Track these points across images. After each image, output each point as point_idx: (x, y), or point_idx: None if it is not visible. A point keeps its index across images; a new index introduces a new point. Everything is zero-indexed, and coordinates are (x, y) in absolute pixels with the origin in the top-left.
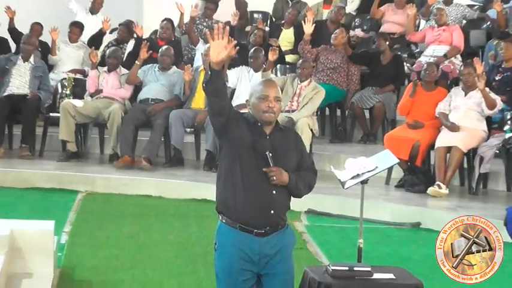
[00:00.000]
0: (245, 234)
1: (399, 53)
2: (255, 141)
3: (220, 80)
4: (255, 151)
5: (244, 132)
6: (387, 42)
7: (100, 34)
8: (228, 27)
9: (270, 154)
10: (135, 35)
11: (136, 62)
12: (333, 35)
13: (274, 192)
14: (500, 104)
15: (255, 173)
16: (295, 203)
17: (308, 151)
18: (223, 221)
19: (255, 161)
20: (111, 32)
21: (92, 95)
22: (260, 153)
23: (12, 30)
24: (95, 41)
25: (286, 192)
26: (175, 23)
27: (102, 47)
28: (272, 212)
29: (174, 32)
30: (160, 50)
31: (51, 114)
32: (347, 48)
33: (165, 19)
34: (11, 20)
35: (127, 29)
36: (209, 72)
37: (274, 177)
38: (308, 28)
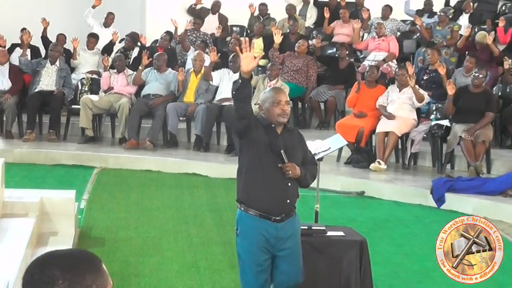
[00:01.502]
0: (264, 220)
1: (347, 58)
2: (270, 141)
3: (249, 88)
4: (271, 149)
5: (261, 133)
6: (347, 52)
7: (111, 44)
8: (253, 41)
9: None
10: (139, 44)
11: (139, 67)
12: (297, 44)
13: (289, 184)
14: (427, 98)
15: (272, 169)
16: None
17: None
18: (242, 209)
19: (271, 158)
20: (120, 42)
21: (105, 92)
22: (276, 151)
23: (44, 38)
24: (107, 49)
25: (297, 184)
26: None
27: (113, 54)
28: (288, 201)
29: (170, 41)
30: (154, 56)
31: (73, 106)
32: (317, 51)
33: (166, 32)
34: (45, 29)
35: (132, 39)
36: (239, 81)
37: (289, 172)
38: (277, 39)
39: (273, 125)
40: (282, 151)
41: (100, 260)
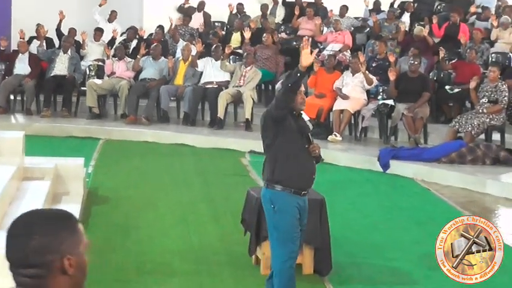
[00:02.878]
0: (296, 196)
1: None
2: (298, 125)
3: (302, 80)
4: (299, 133)
5: (291, 120)
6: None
7: (113, 39)
8: (310, 39)
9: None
10: (137, 36)
11: (138, 56)
12: (263, 38)
13: (314, 162)
14: (375, 82)
15: (302, 149)
16: (241, 145)
17: (250, 113)
18: (279, 188)
19: (300, 141)
20: (121, 35)
21: (108, 76)
22: (303, 133)
23: (58, 31)
24: (111, 42)
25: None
26: (165, 28)
27: (115, 46)
28: (313, 176)
29: (163, 34)
30: (151, 47)
31: (82, 88)
32: (278, 45)
33: (158, 26)
34: (60, 21)
35: (133, 32)
36: (298, 75)
37: (317, 151)
38: (247, 35)
39: (294, 112)
40: (309, 133)
41: (76, 221)
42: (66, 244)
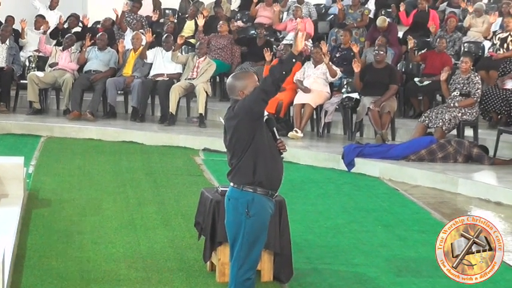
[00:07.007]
0: (270, 198)
1: (268, 38)
2: (266, 120)
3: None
4: (268, 127)
5: None
6: (264, 32)
7: (56, 28)
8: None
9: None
10: (80, 24)
11: (83, 48)
12: (218, 26)
13: (282, 160)
14: (339, 74)
15: (274, 147)
16: (195, 142)
17: (204, 108)
18: (260, 192)
19: (271, 137)
20: (64, 23)
21: (50, 66)
22: (271, 128)
23: None
24: (54, 32)
25: None
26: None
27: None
28: (283, 177)
29: (112, 24)
30: (97, 36)
31: (21, 81)
32: (234, 34)
33: (106, 18)
34: None
35: (74, 19)
36: (293, 60)
37: (285, 147)
38: (200, 22)
39: None
40: (274, 128)
41: None
42: None
